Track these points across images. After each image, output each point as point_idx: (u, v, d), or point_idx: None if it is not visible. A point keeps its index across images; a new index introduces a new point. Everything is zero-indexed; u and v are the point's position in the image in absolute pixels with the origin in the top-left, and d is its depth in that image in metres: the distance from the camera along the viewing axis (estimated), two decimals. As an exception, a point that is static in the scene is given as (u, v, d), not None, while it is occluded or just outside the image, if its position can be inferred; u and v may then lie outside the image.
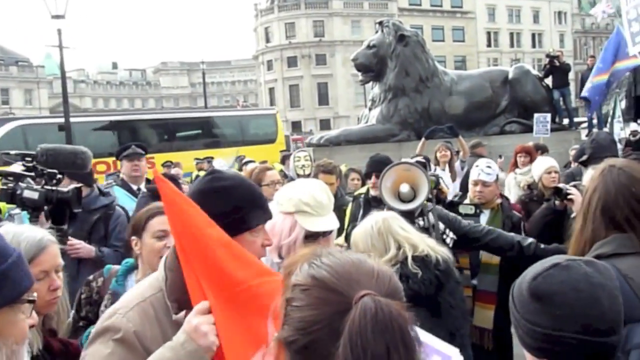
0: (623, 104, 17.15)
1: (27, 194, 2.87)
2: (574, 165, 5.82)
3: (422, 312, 2.34)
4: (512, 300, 1.34)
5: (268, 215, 1.80)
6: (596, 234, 1.95)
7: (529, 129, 11.75)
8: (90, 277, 2.75)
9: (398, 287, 1.06)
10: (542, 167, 5.35)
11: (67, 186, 3.09)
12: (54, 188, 2.96)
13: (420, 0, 59.97)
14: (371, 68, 12.63)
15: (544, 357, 1.28)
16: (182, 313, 1.57)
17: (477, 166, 4.43)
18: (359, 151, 11.64)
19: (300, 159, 6.98)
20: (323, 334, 0.97)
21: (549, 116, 11.15)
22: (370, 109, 13.17)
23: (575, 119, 13.93)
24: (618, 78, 11.21)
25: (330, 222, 2.41)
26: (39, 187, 2.94)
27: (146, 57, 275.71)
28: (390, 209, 3.20)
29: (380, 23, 13.15)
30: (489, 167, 5.09)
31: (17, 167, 3.37)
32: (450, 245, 3.31)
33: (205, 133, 22.91)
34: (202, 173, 13.36)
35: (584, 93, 10.92)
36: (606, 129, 11.62)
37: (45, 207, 2.91)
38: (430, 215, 3.44)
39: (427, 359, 1.81)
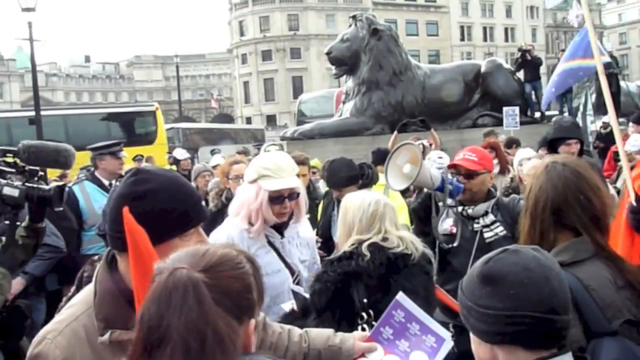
0: (593, 98, 17.55)
1: (7, 191, 2.78)
2: (540, 152, 5.89)
3: (373, 289, 2.47)
4: (461, 292, 1.34)
5: (201, 216, 1.66)
6: (545, 236, 1.86)
7: (501, 122, 11.87)
8: (95, 257, 2.77)
9: (222, 262, 1.16)
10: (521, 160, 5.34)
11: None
12: (34, 185, 2.86)
13: (395, -6, 60.18)
14: (345, 62, 12.65)
15: (497, 343, 1.27)
16: (107, 335, 1.48)
17: (429, 158, 4.46)
18: (333, 145, 11.66)
19: (272, 152, 6.95)
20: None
21: (517, 109, 11.31)
22: (344, 103, 13.19)
23: (547, 112, 14.10)
24: (587, 74, 11.34)
25: (290, 181, 2.60)
26: (20, 184, 2.85)
27: (120, 51, 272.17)
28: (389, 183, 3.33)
29: (354, 17, 13.16)
30: (440, 158, 5.17)
31: None
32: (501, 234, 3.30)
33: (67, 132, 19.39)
34: (174, 167, 13.35)
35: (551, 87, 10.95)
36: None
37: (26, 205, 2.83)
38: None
39: (422, 336, 1.94)
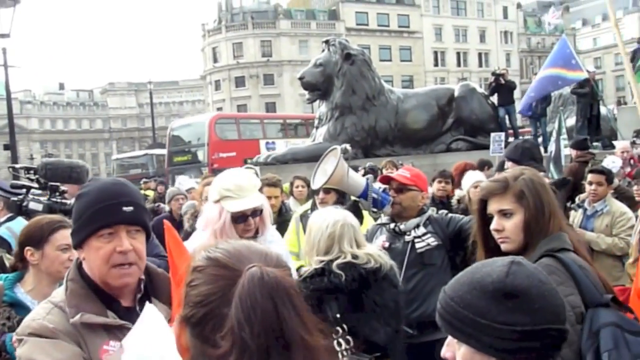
0: (568, 122, 17.68)
1: (32, 205, 3.18)
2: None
3: (345, 304, 2.57)
4: (467, 311, 1.23)
5: (119, 218, 1.75)
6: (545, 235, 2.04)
7: (475, 147, 11.80)
8: None
9: (285, 263, 1.17)
10: (470, 182, 5.51)
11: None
12: (57, 200, 3.25)
13: (368, 20, 60.79)
14: (318, 86, 12.56)
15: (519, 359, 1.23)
16: (78, 316, 1.67)
17: None
18: (306, 169, 11.39)
19: None
20: (218, 304, 1.07)
21: (503, 135, 11.20)
22: (317, 127, 13.07)
23: (521, 137, 14.08)
24: (565, 84, 11.39)
25: (252, 201, 2.64)
26: (44, 199, 3.25)
27: (93, 78, 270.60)
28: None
29: (327, 42, 13.12)
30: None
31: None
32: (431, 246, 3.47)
33: None
34: (149, 192, 13.02)
35: (530, 94, 10.92)
36: (552, 146, 11.76)
37: None
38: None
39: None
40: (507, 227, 2.04)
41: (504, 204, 2.05)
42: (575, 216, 5.35)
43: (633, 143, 10.87)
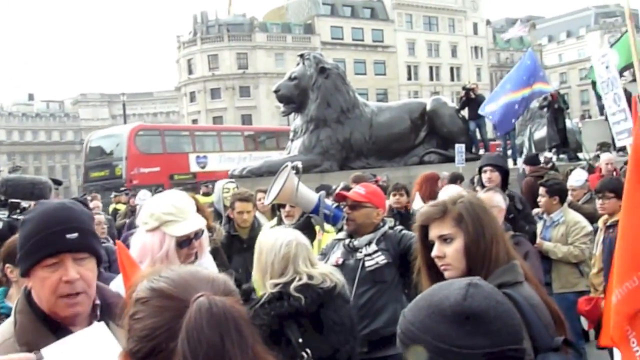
0: (536, 134, 18.17)
1: None
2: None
3: (306, 327, 2.51)
4: (427, 336, 1.21)
5: (62, 246, 1.65)
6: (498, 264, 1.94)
7: (447, 159, 12.04)
8: None
9: (233, 289, 1.14)
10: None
11: None
12: (18, 217, 3.12)
13: (343, 34, 61.29)
14: (293, 99, 12.65)
15: None
16: (33, 355, 1.50)
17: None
18: (281, 182, 11.52)
19: (230, 190, 6.83)
20: (165, 338, 1.03)
21: (463, 146, 11.49)
22: (292, 140, 13.16)
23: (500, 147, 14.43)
24: (534, 98, 11.62)
25: (195, 222, 2.49)
26: (4, 216, 3.17)
27: (65, 88, 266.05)
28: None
29: (302, 56, 13.24)
30: None
31: None
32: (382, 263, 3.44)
33: None
34: (120, 206, 12.94)
35: (492, 118, 11.06)
36: (521, 159, 12.11)
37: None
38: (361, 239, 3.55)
39: None
40: (448, 254, 1.94)
41: (444, 229, 1.96)
42: (538, 227, 5.64)
43: (597, 156, 11.24)
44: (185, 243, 2.46)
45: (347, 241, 3.59)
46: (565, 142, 15.21)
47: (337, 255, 3.60)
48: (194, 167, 22.87)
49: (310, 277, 2.58)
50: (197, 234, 2.51)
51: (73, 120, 79.31)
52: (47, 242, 1.65)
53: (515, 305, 1.68)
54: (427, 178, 6.69)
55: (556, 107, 15.01)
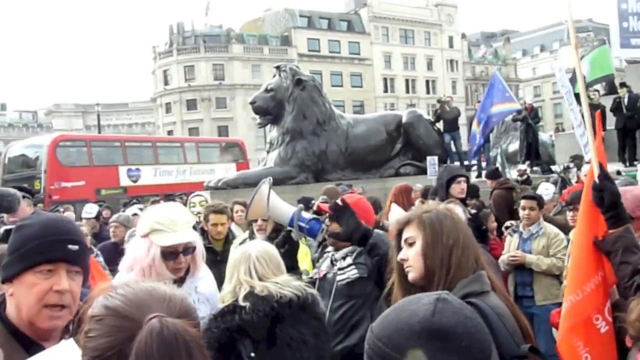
0: (510, 147, 18.44)
1: None
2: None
3: (259, 342, 2.40)
4: (395, 352, 1.18)
5: (59, 254, 1.65)
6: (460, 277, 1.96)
7: (422, 171, 12.12)
8: None
9: (190, 308, 1.13)
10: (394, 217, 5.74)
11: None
12: None
13: (319, 46, 61.56)
14: (269, 111, 12.64)
15: None
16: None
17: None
18: (257, 194, 11.44)
19: (196, 204, 6.75)
20: (116, 359, 1.01)
21: (436, 158, 11.58)
22: (268, 152, 13.14)
23: (466, 162, 14.56)
24: (500, 119, 11.91)
25: (184, 236, 2.49)
26: None
27: (38, 98, 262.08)
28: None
29: (278, 67, 13.26)
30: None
31: None
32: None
33: None
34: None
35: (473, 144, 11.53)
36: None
37: None
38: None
39: None
40: (410, 256, 2.02)
41: (408, 232, 2.05)
42: (512, 240, 5.63)
43: (567, 168, 11.43)
44: (171, 256, 2.47)
45: (330, 254, 3.58)
46: (537, 155, 15.46)
47: (321, 267, 3.57)
48: (125, 181, 21.50)
49: (253, 288, 2.51)
50: (188, 250, 2.52)
51: (46, 130, 77.68)
52: (48, 247, 1.64)
53: (481, 314, 1.71)
54: (402, 189, 6.69)
55: (528, 122, 15.31)
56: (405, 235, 2.06)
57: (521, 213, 5.53)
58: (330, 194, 7.70)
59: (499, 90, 10.66)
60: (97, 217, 9.61)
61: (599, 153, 2.63)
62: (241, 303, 2.48)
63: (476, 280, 1.93)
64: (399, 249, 2.10)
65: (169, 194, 20.41)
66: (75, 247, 1.70)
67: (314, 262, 4.60)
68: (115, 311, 1.06)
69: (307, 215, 3.30)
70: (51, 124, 77.58)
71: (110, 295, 1.10)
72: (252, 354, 2.40)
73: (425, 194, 7.77)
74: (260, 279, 2.56)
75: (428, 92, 67.22)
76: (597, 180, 2.52)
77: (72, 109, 79.57)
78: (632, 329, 2.24)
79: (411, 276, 2.01)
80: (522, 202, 5.56)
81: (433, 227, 2.00)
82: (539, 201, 5.60)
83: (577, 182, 9.39)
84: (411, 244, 2.03)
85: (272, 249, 2.75)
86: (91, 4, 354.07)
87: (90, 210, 9.48)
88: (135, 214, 6.94)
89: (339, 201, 3.22)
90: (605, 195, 2.46)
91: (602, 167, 2.57)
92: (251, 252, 2.64)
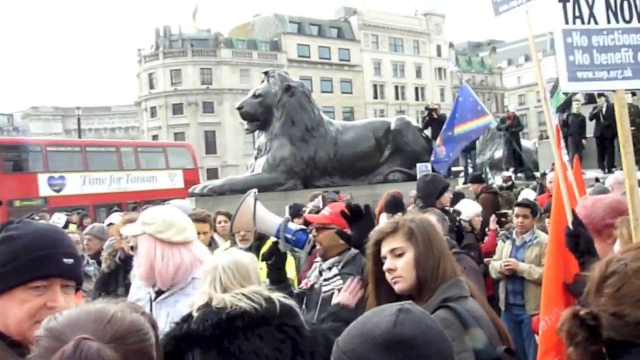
0: (496, 154, 18.58)
1: None
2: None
3: (209, 355, 2.37)
4: None
5: (52, 270, 1.56)
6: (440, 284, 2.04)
7: (411, 178, 12.07)
8: None
9: (132, 332, 1.07)
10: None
11: None
12: None
13: (309, 52, 61.67)
14: (257, 117, 12.55)
15: None
16: None
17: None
18: (244, 201, 11.30)
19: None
20: None
21: (429, 165, 11.55)
22: (256, 158, 13.03)
23: (453, 168, 14.55)
24: (478, 135, 11.98)
25: (131, 228, 2.56)
26: None
27: (14, 101, 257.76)
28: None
29: (266, 73, 13.18)
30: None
31: None
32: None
33: None
34: (71, 227, 12.43)
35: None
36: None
37: None
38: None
39: None
40: (399, 266, 2.04)
41: (395, 242, 2.07)
42: (504, 247, 5.58)
43: (544, 174, 11.65)
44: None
45: (319, 264, 3.53)
46: (521, 162, 15.70)
47: (310, 278, 3.54)
48: (46, 191, 19.42)
49: (210, 299, 2.45)
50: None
51: (23, 134, 76.58)
52: (43, 262, 1.55)
53: (458, 316, 1.85)
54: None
55: (512, 130, 15.70)
56: (390, 245, 2.08)
57: (515, 220, 5.47)
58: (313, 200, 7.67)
59: (471, 104, 10.48)
60: (79, 225, 9.33)
61: (570, 194, 2.70)
62: (194, 313, 2.42)
63: (455, 285, 2.01)
64: (377, 259, 2.12)
65: (99, 204, 19.41)
66: (70, 261, 1.61)
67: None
68: (51, 332, 1.04)
69: (293, 226, 3.28)
70: (28, 127, 76.16)
71: (56, 315, 1.08)
72: None
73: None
74: (224, 290, 2.49)
75: (417, 99, 67.64)
76: (570, 227, 2.54)
77: (50, 112, 78.32)
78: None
79: (400, 287, 2.04)
80: (516, 210, 5.53)
81: (424, 238, 2.06)
82: (533, 209, 5.53)
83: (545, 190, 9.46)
84: (399, 255, 2.05)
85: (244, 259, 2.65)
86: (74, 5, 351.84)
87: (57, 219, 9.10)
88: (110, 224, 6.44)
89: (362, 206, 3.11)
90: (581, 242, 2.48)
91: (574, 213, 2.60)
92: (218, 263, 2.58)
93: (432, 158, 11.40)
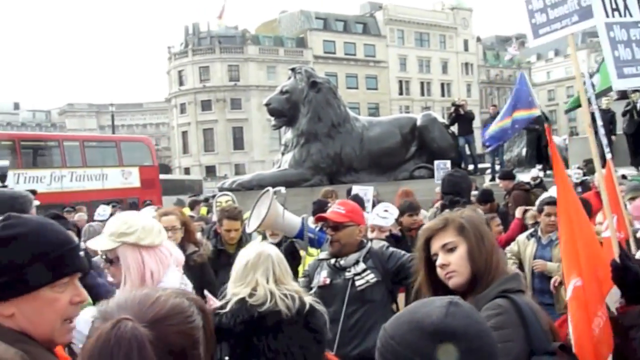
0: (523, 151, 18.34)
1: None
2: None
3: (237, 348, 2.43)
4: (407, 351, 1.22)
5: (77, 266, 1.53)
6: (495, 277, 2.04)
7: (437, 174, 12.05)
8: None
9: (170, 315, 1.10)
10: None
11: None
12: None
13: (335, 48, 61.61)
14: (284, 113, 12.68)
15: None
16: None
17: (369, 212, 4.48)
18: (271, 196, 11.44)
19: (222, 203, 6.79)
20: None
21: (449, 162, 11.49)
22: (283, 154, 13.17)
23: (480, 165, 14.50)
24: (522, 126, 11.68)
25: (98, 242, 2.37)
26: None
27: (52, 98, 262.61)
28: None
29: (293, 69, 13.29)
30: (385, 211, 5.14)
31: None
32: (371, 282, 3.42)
33: None
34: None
35: (486, 137, 11.38)
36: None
37: None
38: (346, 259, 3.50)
39: None
40: (452, 261, 2.03)
41: (446, 238, 2.07)
42: (528, 245, 5.40)
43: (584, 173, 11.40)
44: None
45: (332, 261, 3.53)
46: (547, 160, 15.42)
47: (323, 275, 3.54)
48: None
49: (251, 294, 2.49)
50: (111, 261, 2.33)
51: (60, 130, 78.34)
52: (68, 258, 1.51)
53: (518, 309, 1.86)
54: (407, 193, 6.99)
55: (537, 127, 15.41)
56: (442, 241, 2.08)
57: (544, 219, 5.31)
58: (327, 196, 7.75)
59: (524, 93, 10.34)
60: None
61: (619, 223, 2.56)
62: (228, 307, 2.47)
63: (514, 279, 2.03)
64: (427, 255, 2.12)
65: (37, 206, 17.91)
66: (82, 254, 1.63)
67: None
68: (102, 314, 1.10)
69: (312, 225, 3.34)
70: (64, 123, 78.10)
71: (109, 300, 1.15)
72: (227, 358, 2.41)
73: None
74: (275, 283, 2.56)
75: (443, 95, 67.02)
76: (617, 260, 2.44)
77: (85, 108, 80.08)
78: None
79: (455, 281, 2.02)
80: (546, 208, 5.21)
81: (475, 231, 2.07)
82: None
83: (585, 189, 9.33)
84: (451, 250, 2.05)
85: (280, 254, 2.75)
86: (106, 4, 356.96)
87: (103, 212, 9.33)
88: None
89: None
90: (629, 275, 2.41)
91: (621, 247, 2.54)
92: (270, 252, 2.64)
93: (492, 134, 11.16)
